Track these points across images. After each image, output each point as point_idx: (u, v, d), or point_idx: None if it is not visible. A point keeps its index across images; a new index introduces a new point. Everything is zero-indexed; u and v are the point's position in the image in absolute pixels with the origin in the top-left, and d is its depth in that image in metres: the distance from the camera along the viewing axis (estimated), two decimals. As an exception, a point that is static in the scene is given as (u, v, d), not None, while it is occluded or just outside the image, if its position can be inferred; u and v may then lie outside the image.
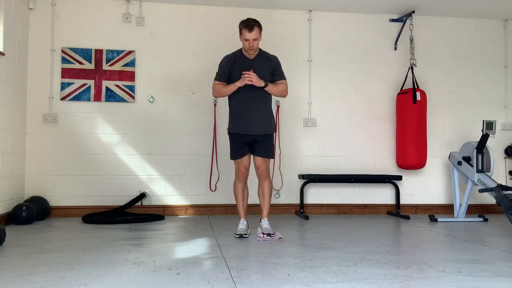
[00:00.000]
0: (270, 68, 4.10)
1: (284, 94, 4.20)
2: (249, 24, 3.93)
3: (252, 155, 4.17)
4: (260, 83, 3.97)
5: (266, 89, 4.02)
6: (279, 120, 5.62)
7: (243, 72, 3.96)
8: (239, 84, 3.99)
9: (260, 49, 4.13)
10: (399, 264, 3.04)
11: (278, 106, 5.64)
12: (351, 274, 2.75)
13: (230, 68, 4.08)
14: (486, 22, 6.16)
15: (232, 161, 4.20)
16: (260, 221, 4.12)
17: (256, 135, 4.08)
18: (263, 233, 3.99)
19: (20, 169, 5.13)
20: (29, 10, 5.33)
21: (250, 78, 3.93)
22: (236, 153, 4.14)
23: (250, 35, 3.93)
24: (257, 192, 4.22)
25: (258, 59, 4.09)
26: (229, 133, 4.20)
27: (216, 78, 4.16)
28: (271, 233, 3.98)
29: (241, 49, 4.13)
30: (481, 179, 4.97)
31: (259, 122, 4.09)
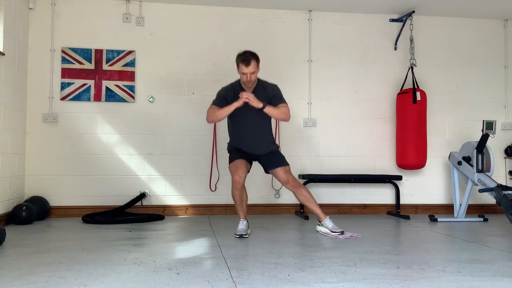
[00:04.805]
0: (268, 97, 4.04)
1: (286, 117, 4.09)
2: (246, 59, 3.89)
3: (267, 172, 4.19)
4: (258, 103, 3.91)
5: (265, 110, 3.96)
6: (279, 120, 5.62)
7: (240, 93, 3.94)
8: (236, 104, 3.93)
9: (258, 80, 4.10)
10: (399, 264, 3.04)
11: (278, 106, 5.64)
12: (351, 274, 2.75)
13: (229, 99, 4.04)
14: (486, 22, 6.16)
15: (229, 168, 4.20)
16: (320, 222, 4.17)
17: (258, 154, 4.11)
18: (336, 232, 4.05)
19: (20, 169, 5.13)
20: (29, 10, 5.33)
21: (248, 96, 3.89)
22: (233, 157, 4.14)
23: (247, 70, 3.90)
24: (298, 200, 4.28)
25: (256, 90, 4.05)
26: (229, 151, 4.21)
27: (213, 104, 4.12)
28: (342, 230, 4.05)
29: (239, 80, 4.10)
30: (481, 179, 4.97)
31: (261, 145, 4.10)
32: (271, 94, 4.07)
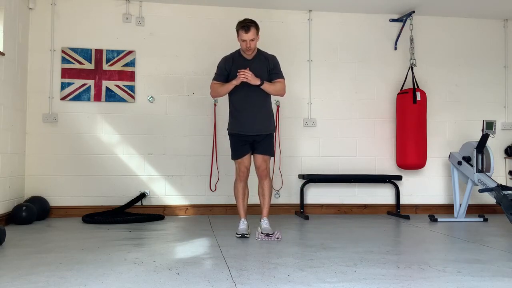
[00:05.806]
0: (268, 67, 4.10)
1: (281, 93, 4.18)
2: (246, 25, 3.93)
3: (252, 155, 4.18)
4: (255, 81, 3.97)
5: (262, 87, 4.02)
6: (279, 120, 5.63)
7: (238, 70, 3.97)
8: (235, 82, 4.00)
9: (258, 49, 4.13)
10: (399, 264, 3.05)
11: (278, 106, 5.64)
12: (351, 274, 2.75)
13: (228, 68, 4.09)
14: (486, 22, 6.16)
15: (233, 161, 4.21)
16: (260, 220, 4.13)
17: (256, 135, 4.09)
18: (261, 233, 4.00)
19: (20, 169, 5.13)
20: (29, 10, 5.33)
21: (246, 75, 3.93)
22: (237, 153, 4.15)
23: (247, 36, 3.93)
24: (257, 191, 4.23)
25: (256, 59, 4.09)
26: (229, 133, 4.21)
27: (214, 78, 4.18)
28: (269, 233, 3.98)
29: (239, 49, 4.13)
30: (481, 179, 4.97)
31: (259, 123, 4.09)
32: (271, 64, 4.12)
